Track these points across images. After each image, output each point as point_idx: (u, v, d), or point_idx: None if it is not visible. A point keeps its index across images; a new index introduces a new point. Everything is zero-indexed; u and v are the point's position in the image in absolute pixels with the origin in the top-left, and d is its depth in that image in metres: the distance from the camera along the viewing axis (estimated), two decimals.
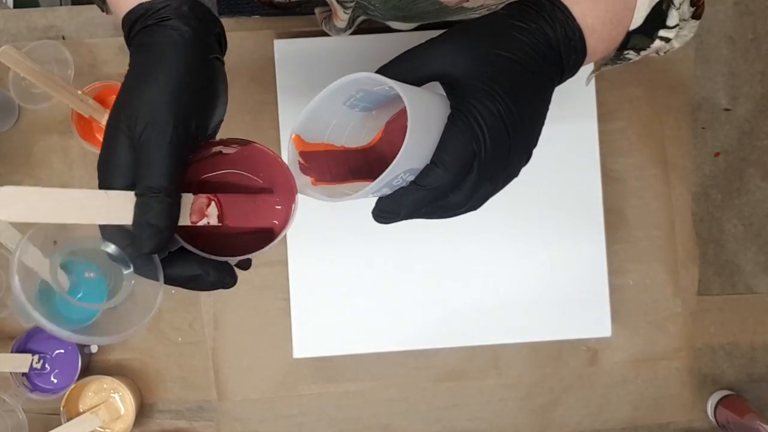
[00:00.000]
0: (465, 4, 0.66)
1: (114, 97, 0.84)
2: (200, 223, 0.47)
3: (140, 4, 0.49)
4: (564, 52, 0.50)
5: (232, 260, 0.49)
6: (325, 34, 0.80)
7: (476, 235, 0.82)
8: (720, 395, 0.85)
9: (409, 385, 0.86)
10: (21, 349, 0.83)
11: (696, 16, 0.56)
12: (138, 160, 0.45)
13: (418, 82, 0.49)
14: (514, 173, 0.51)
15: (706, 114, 0.87)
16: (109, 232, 0.46)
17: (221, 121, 0.51)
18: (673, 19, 0.54)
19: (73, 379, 0.82)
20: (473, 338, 0.83)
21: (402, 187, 0.48)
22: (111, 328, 0.46)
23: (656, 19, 0.53)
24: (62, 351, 0.84)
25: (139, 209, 0.44)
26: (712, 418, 0.86)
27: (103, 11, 0.61)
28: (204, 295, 0.85)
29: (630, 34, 0.53)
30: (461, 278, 0.82)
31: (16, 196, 0.40)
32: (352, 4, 0.68)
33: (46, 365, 0.84)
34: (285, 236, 0.59)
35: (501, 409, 0.86)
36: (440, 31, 0.51)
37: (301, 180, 0.51)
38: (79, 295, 0.83)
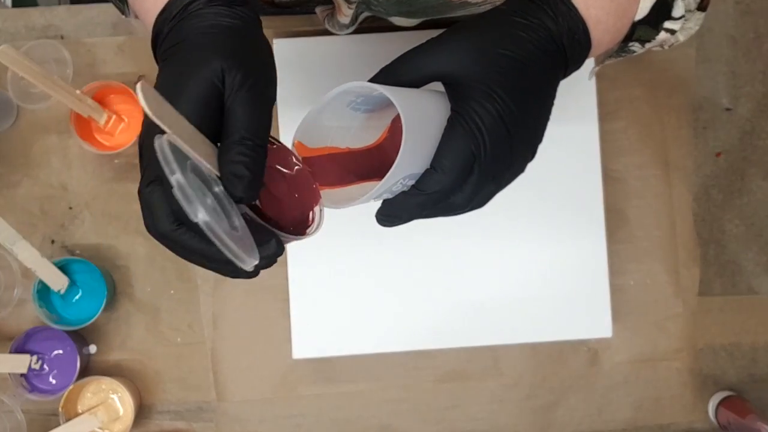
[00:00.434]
0: None
1: (113, 96, 0.85)
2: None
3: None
4: (567, 45, 0.49)
5: (287, 239, 0.49)
6: (325, 34, 0.80)
7: (476, 236, 0.82)
8: (721, 396, 0.85)
9: (409, 386, 0.86)
10: (19, 350, 0.83)
11: (701, 7, 0.55)
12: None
13: (418, 83, 0.49)
14: (520, 170, 0.50)
15: (707, 114, 0.87)
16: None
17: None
18: (678, 9, 0.53)
19: (72, 379, 0.81)
20: (473, 339, 0.83)
21: (403, 192, 0.48)
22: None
23: (662, 9, 0.53)
24: (61, 352, 0.83)
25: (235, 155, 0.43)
26: (713, 419, 0.85)
27: (123, 15, 0.60)
28: (203, 296, 0.85)
29: (635, 25, 0.53)
30: (461, 278, 0.82)
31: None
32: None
33: (45, 366, 0.83)
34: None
35: (501, 409, 0.86)
36: (442, 30, 0.50)
37: None
38: (78, 296, 0.84)
